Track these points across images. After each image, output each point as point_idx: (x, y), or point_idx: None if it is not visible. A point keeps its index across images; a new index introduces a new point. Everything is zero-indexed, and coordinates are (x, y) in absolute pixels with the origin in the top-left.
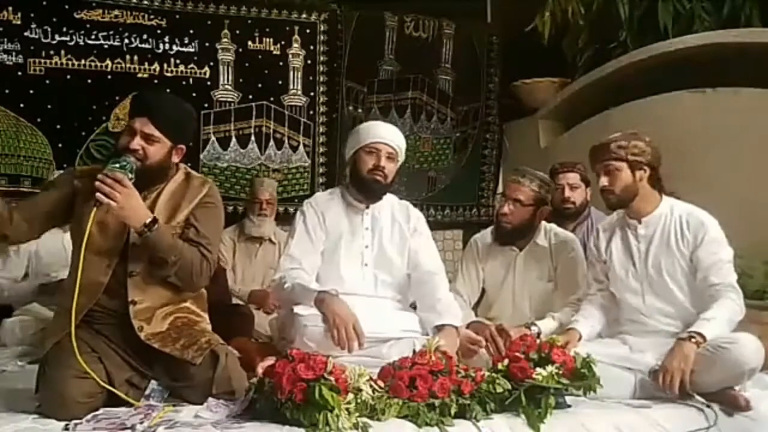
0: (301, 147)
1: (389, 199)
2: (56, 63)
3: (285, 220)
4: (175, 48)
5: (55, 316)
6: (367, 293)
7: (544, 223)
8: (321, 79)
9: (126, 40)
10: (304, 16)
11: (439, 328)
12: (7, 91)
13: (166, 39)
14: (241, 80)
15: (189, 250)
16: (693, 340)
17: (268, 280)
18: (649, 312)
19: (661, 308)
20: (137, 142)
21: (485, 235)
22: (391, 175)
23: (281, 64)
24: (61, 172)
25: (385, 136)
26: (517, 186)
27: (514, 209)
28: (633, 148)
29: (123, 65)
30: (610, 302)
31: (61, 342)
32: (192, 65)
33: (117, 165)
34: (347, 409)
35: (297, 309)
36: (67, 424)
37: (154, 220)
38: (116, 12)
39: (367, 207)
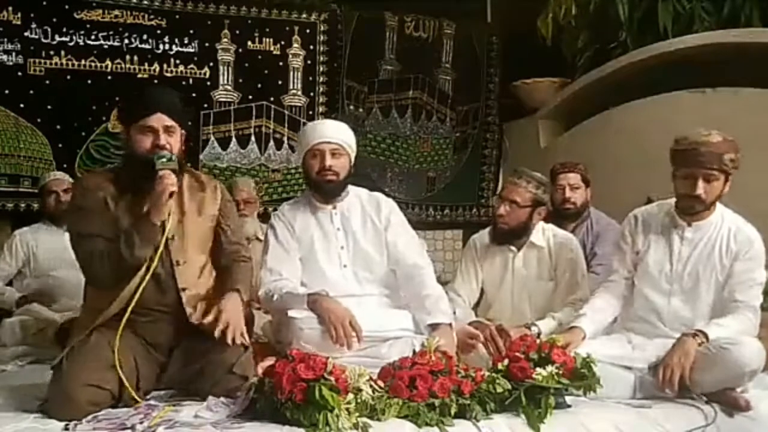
0: None
1: (358, 193)
2: (56, 63)
3: None
4: (175, 48)
5: (84, 314)
6: (353, 293)
7: (541, 223)
8: (321, 79)
9: (126, 40)
10: (304, 16)
11: (433, 327)
12: (7, 91)
13: (166, 39)
14: (241, 80)
15: (247, 276)
16: (696, 337)
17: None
18: (668, 315)
19: (683, 315)
20: (165, 139)
21: (484, 235)
22: (344, 171)
23: (281, 64)
24: (56, 174)
25: (325, 135)
26: (514, 187)
27: (510, 210)
28: (737, 161)
29: (123, 65)
30: (630, 293)
31: (85, 341)
32: (192, 65)
33: (164, 159)
34: (347, 409)
35: (291, 313)
36: (66, 424)
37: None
38: (116, 12)
39: (335, 207)
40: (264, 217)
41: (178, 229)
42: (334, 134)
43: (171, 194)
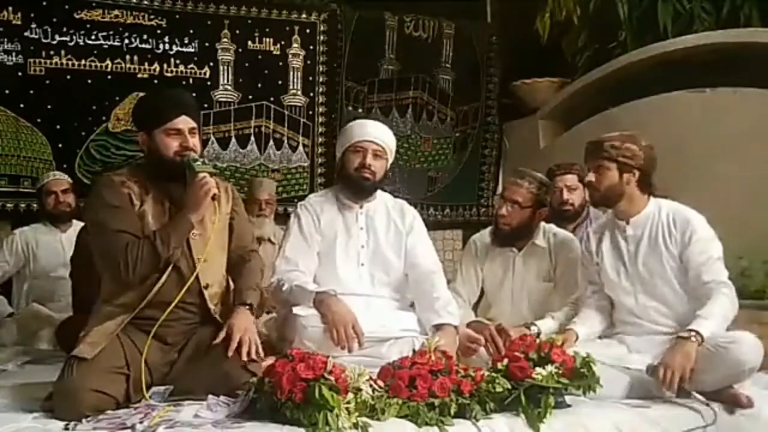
0: (300, 147)
1: (384, 198)
2: (56, 63)
3: (284, 220)
4: (175, 48)
5: (104, 308)
6: (365, 293)
7: (542, 223)
8: (320, 79)
9: (126, 40)
10: (304, 16)
11: (438, 327)
12: (7, 91)
13: (166, 39)
14: (240, 80)
15: (257, 274)
16: (692, 338)
17: (268, 279)
18: (642, 312)
19: (655, 307)
20: (192, 142)
21: (484, 235)
22: (380, 173)
23: (281, 64)
24: (55, 174)
25: (371, 134)
26: (515, 188)
27: (512, 211)
28: (625, 150)
29: (123, 65)
30: (608, 303)
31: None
32: (192, 65)
33: (199, 162)
34: (347, 409)
35: (296, 310)
36: (66, 424)
37: (251, 306)
38: (116, 12)
39: (361, 207)
40: (276, 218)
41: (199, 228)
42: (380, 135)
43: (214, 196)
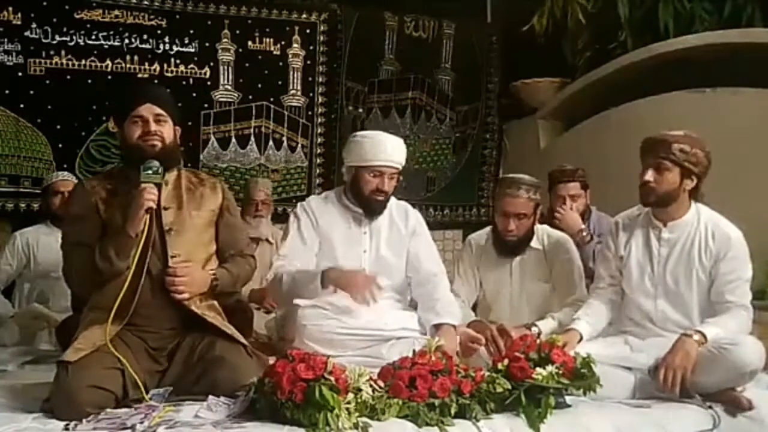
0: (299, 147)
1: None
2: (56, 63)
3: (283, 220)
4: (175, 48)
5: (92, 319)
6: None
7: (537, 225)
8: (320, 79)
9: (126, 40)
10: (304, 16)
11: (437, 327)
12: (7, 91)
13: (166, 39)
14: (241, 80)
15: (243, 269)
16: (695, 338)
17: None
18: (658, 317)
19: (671, 316)
20: (154, 127)
21: (480, 235)
22: (392, 191)
23: (281, 64)
24: (63, 175)
25: (390, 159)
26: (515, 200)
27: (519, 224)
28: (692, 156)
29: (123, 65)
30: (620, 298)
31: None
32: (192, 65)
33: (150, 171)
34: (347, 409)
35: (297, 301)
36: (67, 425)
37: (215, 278)
38: (116, 12)
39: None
40: (275, 218)
41: (176, 223)
42: (398, 157)
43: (149, 209)
